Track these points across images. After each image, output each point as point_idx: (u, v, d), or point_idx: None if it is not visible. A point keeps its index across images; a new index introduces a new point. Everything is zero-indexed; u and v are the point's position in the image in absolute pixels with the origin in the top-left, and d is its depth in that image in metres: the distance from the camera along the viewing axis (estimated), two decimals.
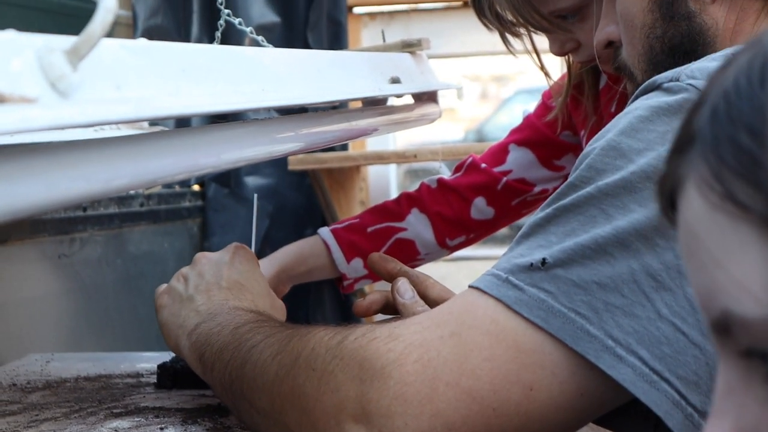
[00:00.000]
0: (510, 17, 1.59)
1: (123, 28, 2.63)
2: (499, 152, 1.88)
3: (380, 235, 1.83)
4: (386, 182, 2.79)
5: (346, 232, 1.83)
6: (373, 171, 2.74)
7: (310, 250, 1.83)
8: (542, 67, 1.74)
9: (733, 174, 0.51)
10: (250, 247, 1.41)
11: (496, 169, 1.85)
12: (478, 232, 1.91)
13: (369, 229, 1.83)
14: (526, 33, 1.64)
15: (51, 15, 2.23)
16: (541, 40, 1.66)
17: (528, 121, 1.86)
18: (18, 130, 0.56)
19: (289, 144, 0.96)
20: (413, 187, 1.91)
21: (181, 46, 0.86)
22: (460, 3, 2.77)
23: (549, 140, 1.83)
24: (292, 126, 0.99)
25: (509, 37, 1.67)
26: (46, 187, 0.64)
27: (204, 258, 1.33)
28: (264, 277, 1.35)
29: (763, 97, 0.51)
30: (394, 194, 2.86)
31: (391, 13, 2.78)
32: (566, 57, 1.67)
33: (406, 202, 1.87)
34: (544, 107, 1.84)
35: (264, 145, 0.92)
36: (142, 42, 0.81)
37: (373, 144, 2.82)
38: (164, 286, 1.34)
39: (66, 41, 0.67)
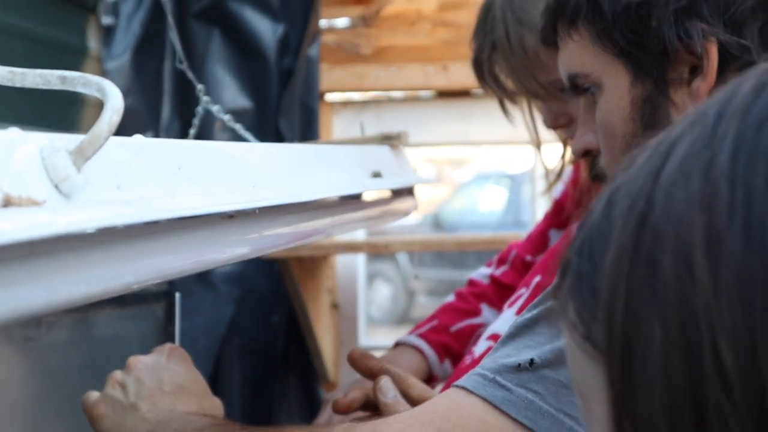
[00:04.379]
0: (508, 83, 1.59)
1: (93, 62, 2.57)
2: (540, 240, 1.85)
3: (464, 334, 1.78)
4: (354, 270, 2.77)
5: (434, 334, 1.78)
6: (341, 259, 2.73)
7: (401, 359, 1.75)
8: (536, 139, 1.72)
9: (590, 315, 0.51)
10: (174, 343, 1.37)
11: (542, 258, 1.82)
12: None
13: (452, 329, 1.79)
14: (524, 100, 1.63)
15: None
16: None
17: (560, 203, 1.83)
18: (26, 238, 0.56)
19: (278, 241, 0.96)
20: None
21: (175, 143, 0.86)
22: (431, 93, 2.78)
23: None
24: (281, 222, 0.99)
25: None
26: (48, 292, 0.63)
27: (139, 362, 1.28)
28: (201, 375, 1.32)
29: (622, 240, 0.50)
30: (362, 282, 2.85)
31: (363, 102, 2.79)
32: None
33: (473, 298, 1.83)
34: (574, 182, 1.80)
35: (257, 242, 0.93)
36: (139, 139, 0.81)
37: None
38: (94, 393, 1.29)
39: (70, 140, 0.66)
